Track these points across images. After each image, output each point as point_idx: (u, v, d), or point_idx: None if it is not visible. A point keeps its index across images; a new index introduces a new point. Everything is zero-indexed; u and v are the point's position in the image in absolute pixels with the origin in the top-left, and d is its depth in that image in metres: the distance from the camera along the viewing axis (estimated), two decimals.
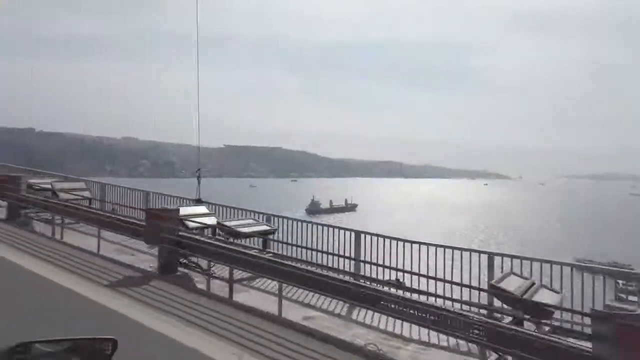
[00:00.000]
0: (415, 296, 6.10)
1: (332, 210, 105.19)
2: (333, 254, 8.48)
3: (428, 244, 8.11)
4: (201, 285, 8.15)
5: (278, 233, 10.23)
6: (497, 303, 6.44)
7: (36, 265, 8.48)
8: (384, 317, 6.68)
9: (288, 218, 10.86)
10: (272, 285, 7.71)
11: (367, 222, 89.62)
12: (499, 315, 5.98)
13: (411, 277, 7.21)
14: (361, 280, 6.83)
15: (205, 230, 10.08)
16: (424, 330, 6.22)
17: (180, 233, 8.76)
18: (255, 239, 10.02)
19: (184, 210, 10.02)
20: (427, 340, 6.40)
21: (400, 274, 7.35)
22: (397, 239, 8.34)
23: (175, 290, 7.53)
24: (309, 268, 7.27)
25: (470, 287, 6.82)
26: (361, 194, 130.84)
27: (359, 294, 6.03)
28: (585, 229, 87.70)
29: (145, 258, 9.67)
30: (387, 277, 7.38)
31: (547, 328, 4.62)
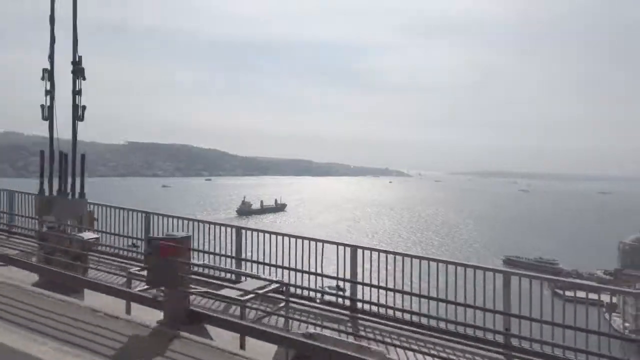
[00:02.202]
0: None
1: (264, 210, 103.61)
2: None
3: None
4: None
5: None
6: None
7: None
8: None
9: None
10: None
11: (301, 222, 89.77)
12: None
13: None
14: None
15: None
16: None
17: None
18: None
19: None
20: None
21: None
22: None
23: None
24: None
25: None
26: (280, 193, 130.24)
27: None
28: (497, 225, 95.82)
29: None
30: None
31: None
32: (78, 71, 8.39)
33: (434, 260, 7.11)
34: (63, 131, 8.79)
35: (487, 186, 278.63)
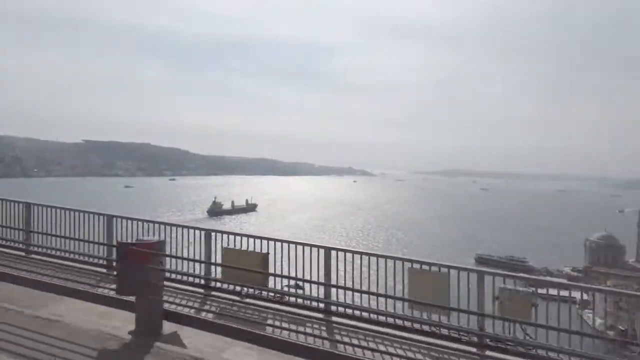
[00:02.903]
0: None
1: (234, 211, 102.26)
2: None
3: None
4: None
5: None
6: None
7: None
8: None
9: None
10: None
11: (274, 223, 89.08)
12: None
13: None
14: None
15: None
16: None
17: None
18: None
19: None
20: None
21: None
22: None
23: None
24: None
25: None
26: (249, 192, 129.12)
27: None
28: (463, 224, 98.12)
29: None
30: None
31: None
32: None
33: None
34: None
35: (448, 185, 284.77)
